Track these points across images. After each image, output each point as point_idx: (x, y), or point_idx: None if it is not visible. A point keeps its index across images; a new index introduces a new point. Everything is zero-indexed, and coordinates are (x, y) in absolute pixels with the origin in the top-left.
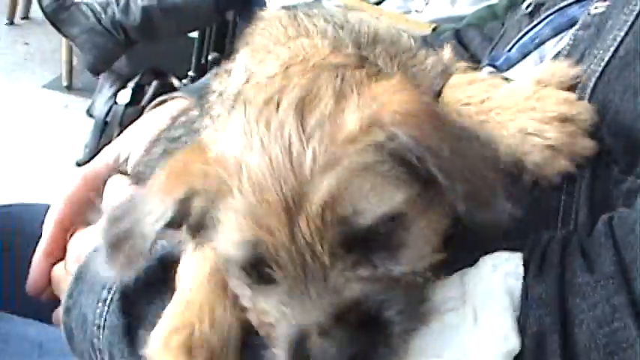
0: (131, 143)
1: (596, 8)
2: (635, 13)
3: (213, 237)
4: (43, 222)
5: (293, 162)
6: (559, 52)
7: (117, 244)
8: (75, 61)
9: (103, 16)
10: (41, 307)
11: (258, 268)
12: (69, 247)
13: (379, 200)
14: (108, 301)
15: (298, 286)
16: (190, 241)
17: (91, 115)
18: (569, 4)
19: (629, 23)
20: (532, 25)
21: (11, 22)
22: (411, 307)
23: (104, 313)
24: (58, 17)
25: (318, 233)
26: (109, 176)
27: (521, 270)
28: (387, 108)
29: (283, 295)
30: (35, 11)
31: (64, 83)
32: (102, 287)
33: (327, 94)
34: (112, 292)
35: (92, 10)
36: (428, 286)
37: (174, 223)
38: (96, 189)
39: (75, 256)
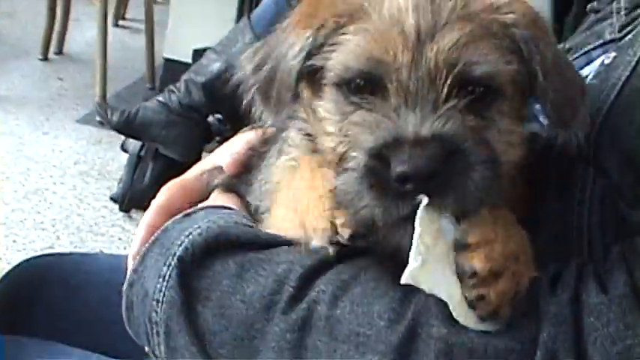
0: (213, 162)
1: (608, 58)
2: (636, 57)
3: (333, 56)
4: (87, 272)
5: (434, 5)
6: None
7: (265, 88)
8: (108, 96)
9: (170, 104)
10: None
11: (369, 84)
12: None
13: (494, 62)
14: (167, 277)
15: (409, 104)
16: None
17: (125, 150)
18: (593, 48)
19: (632, 64)
20: None
21: (45, 58)
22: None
23: (163, 288)
24: (132, 127)
25: (443, 67)
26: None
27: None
28: (519, 5)
29: (389, 109)
30: (69, 46)
31: (98, 118)
32: (163, 263)
33: None
34: (170, 267)
35: (158, 105)
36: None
37: (313, 53)
38: (186, 199)
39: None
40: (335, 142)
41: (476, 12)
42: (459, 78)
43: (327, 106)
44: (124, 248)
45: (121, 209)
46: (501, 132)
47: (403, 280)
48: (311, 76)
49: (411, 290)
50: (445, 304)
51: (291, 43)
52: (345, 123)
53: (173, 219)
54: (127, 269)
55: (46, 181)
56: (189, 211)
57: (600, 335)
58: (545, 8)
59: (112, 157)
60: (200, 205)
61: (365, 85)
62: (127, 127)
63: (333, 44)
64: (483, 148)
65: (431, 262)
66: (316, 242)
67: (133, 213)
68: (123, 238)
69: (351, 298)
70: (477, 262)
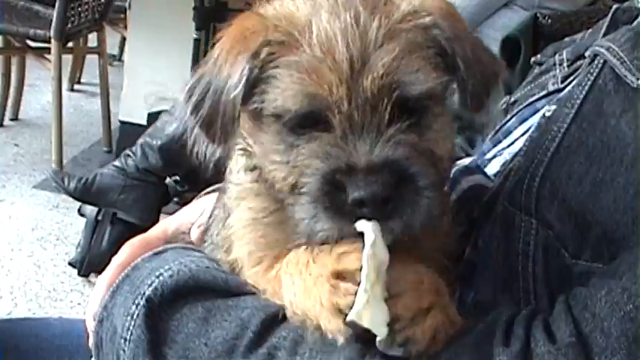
0: (179, 219)
1: (549, 111)
2: (576, 106)
3: (269, 93)
4: (38, 336)
5: (360, 29)
6: (516, 153)
7: (209, 122)
8: (65, 161)
9: (127, 169)
10: None
11: (310, 120)
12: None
13: (425, 79)
14: (135, 316)
15: (355, 132)
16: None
17: (82, 215)
18: (538, 99)
19: (571, 115)
20: (505, 120)
21: (0, 124)
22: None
23: (131, 327)
24: (90, 194)
25: (380, 93)
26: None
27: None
28: (433, 3)
29: (336, 139)
30: (24, 112)
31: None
32: (132, 302)
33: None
34: (138, 306)
35: (115, 170)
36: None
37: (253, 81)
38: None
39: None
40: (285, 171)
41: (399, 24)
42: (397, 101)
43: (269, 137)
44: (84, 313)
45: (79, 274)
46: (438, 134)
47: (349, 318)
48: (247, 106)
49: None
50: None
51: (228, 74)
52: (294, 154)
53: (142, 256)
54: (81, 333)
55: (3, 248)
56: (159, 249)
57: None
58: None
59: (70, 222)
60: (170, 245)
61: (306, 119)
62: (84, 194)
63: (267, 77)
64: (429, 167)
65: (371, 301)
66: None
67: (92, 277)
68: (82, 303)
69: (311, 346)
70: (400, 308)
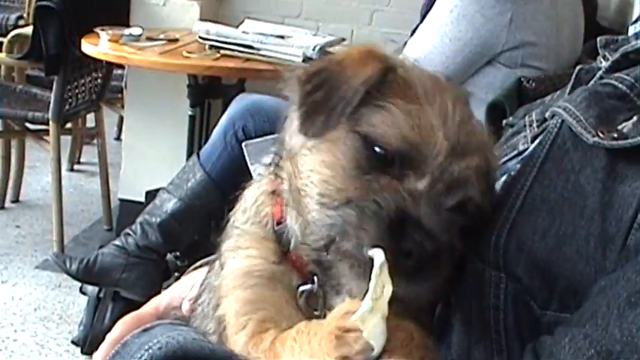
0: (170, 295)
1: (514, 170)
2: (538, 164)
3: (371, 117)
4: None
5: (467, 127)
6: None
7: (315, 109)
8: (66, 240)
9: (128, 248)
10: None
11: (400, 159)
12: None
13: (480, 195)
14: None
15: (434, 197)
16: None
17: (84, 293)
18: (509, 159)
19: (533, 173)
20: None
21: (2, 207)
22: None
23: None
24: (92, 274)
25: (462, 180)
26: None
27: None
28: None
29: (417, 190)
30: (25, 194)
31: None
32: None
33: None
34: None
35: (116, 250)
36: None
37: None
38: None
39: None
40: (347, 185)
41: (481, 147)
42: (464, 194)
43: (344, 147)
44: None
45: (82, 352)
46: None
47: (353, 318)
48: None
49: None
50: None
51: (354, 74)
52: (367, 177)
53: (132, 333)
54: None
55: (6, 329)
56: (148, 325)
57: None
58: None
59: (72, 301)
60: (157, 322)
61: (397, 157)
62: (87, 275)
63: (377, 102)
64: (450, 252)
65: (374, 311)
66: None
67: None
68: None
69: None
70: None
